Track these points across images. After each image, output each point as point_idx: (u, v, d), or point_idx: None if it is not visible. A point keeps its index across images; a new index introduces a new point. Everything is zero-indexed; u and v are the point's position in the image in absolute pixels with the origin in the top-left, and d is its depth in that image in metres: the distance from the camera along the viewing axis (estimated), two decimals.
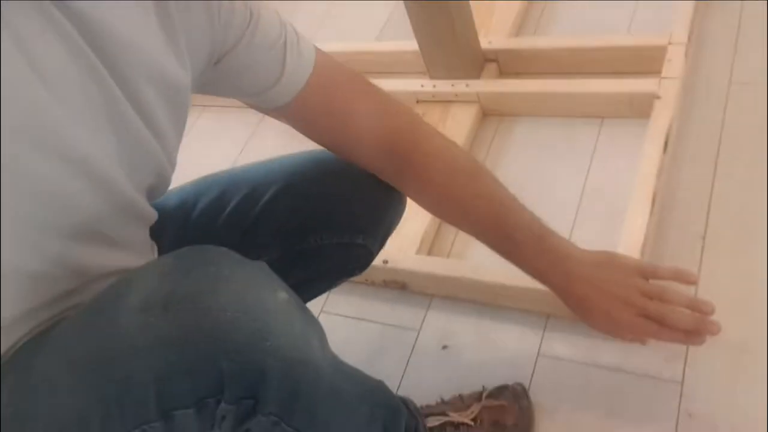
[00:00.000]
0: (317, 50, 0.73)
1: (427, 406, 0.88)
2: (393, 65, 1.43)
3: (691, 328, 0.77)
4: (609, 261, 0.82)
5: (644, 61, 1.22)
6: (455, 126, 1.27)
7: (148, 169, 0.63)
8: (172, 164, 0.67)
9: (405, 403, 0.78)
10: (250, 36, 0.68)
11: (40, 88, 0.51)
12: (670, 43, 1.20)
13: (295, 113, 0.73)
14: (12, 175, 0.51)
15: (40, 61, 0.50)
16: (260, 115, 1.71)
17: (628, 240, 0.96)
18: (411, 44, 1.33)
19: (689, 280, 0.83)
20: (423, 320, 1.07)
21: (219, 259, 0.54)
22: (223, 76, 0.69)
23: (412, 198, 0.85)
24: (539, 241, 0.79)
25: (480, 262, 1.06)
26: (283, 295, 0.55)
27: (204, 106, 1.58)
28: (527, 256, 0.80)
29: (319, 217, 0.81)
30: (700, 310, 0.78)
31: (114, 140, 0.57)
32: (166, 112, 0.62)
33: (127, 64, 0.56)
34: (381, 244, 0.87)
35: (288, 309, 0.55)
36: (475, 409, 0.87)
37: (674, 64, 1.17)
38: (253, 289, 0.53)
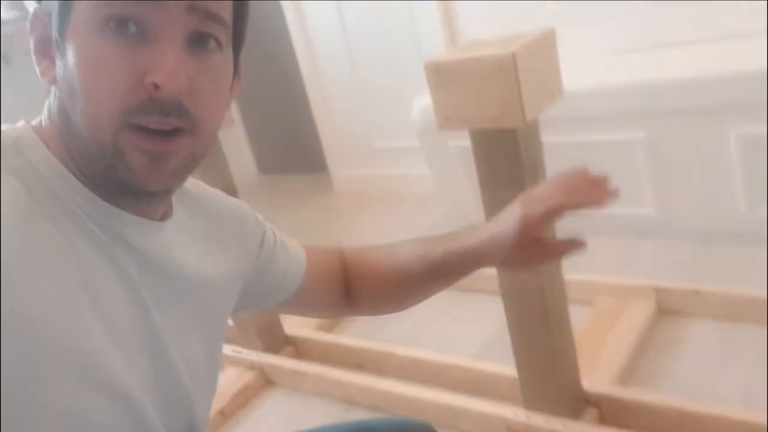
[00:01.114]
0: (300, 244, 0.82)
1: None
2: (487, 387, 1.38)
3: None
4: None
5: None
6: None
7: (180, 412, 0.63)
8: (205, 419, 0.67)
9: None
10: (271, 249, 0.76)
11: (98, 325, 0.53)
12: None
13: (296, 300, 0.80)
14: (55, 404, 0.51)
15: (101, 301, 0.54)
16: None
17: None
18: (509, 369, 1.30)
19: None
20: None
21: None
22: (251, 290, 0.75)
23: (371, 311, 0.89)
24: (474, 232, 0.77)
25: None
26: None
27: None
28: (475, 254, 0.76)
29: None
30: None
31: (150, 372, 0.59)
32: (203, 350, 0.65)
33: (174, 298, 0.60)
34: None
35: None
36: None
37: None
38: None
